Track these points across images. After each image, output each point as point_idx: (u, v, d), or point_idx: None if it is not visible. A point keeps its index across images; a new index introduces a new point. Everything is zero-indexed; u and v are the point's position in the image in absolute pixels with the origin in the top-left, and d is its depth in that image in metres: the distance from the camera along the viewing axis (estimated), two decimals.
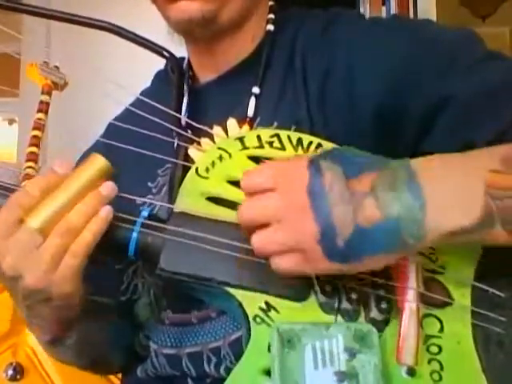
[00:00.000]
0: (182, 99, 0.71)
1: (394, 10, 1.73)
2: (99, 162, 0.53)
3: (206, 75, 0.73)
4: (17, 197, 0.52)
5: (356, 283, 0.54)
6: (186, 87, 0.72)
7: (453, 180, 0.49)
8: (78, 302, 0.57)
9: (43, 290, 0.52)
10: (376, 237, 0.47)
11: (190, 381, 0.63)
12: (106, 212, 0.53)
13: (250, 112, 0.65)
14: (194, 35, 0.68)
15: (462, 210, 0.47)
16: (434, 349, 0.53)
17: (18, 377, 1.12)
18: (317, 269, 0.50)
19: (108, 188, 0.53)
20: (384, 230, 0.47)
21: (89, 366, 0.74)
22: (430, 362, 0.52)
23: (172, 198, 0.62)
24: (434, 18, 1.70)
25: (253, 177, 0.52)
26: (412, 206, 0.47)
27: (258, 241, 0.50)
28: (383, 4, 1.76)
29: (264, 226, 0.50)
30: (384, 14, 1.72)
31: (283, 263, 0.50)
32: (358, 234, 0.47)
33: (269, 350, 0.50)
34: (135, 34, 0.69)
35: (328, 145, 0.59)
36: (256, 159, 0.59)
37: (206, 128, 0.64)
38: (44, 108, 1.50)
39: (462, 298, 0.55)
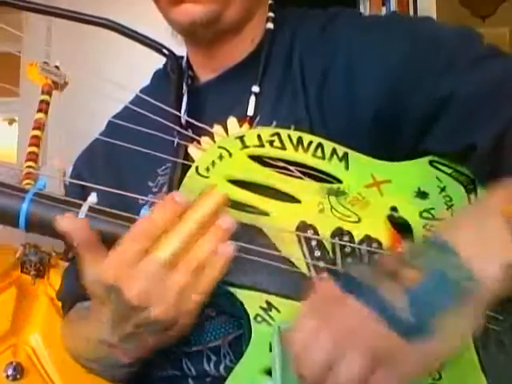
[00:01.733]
0: (182, 98, 0.71)
1: (393, 9, 1.73)
2: (218, 194, 0.52)
3: (205, 74, 0.73)
4: (142, 225, 0.51)
5: None
6: (185, 86, 0.72)
7: (474, 227, 0.48)
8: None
9: (168, 322, 0.51)
10: (431, 293, 0.44)
11: (190, 380, 0.63)
12: (232, 248, 0.51)
13: (250, 111, 0.65)
14: (196, 36, 0.68)
15: (497, 247, 0.46)
16: None
17: (18, 377, 1.12)
18: (408, 363, 0.44)
19: (227, 221, 0.51)
20: (432, 283, 0.44)
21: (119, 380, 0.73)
22: None
23: None
24: (433, 18, 1.70)
25: (297, 328, 0.47)
26: (444, 256, 0.45)
27: (342, 381, 0.43)
28: (383, 4, 1.77)
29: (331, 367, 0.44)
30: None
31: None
32: (413, 296, 0.44)
33: (270, 349, 0.50)
34: (135, 32, 0.69)
35: (328, 144, 0.59)
36: (256, 158, 0.59)
37: (206, 127, 0.64)
38: (44, 108, 1.50)
39: None
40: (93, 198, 0.54)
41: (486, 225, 0.48)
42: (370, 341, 0.43)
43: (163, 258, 0.49)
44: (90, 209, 0.53)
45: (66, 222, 0.51)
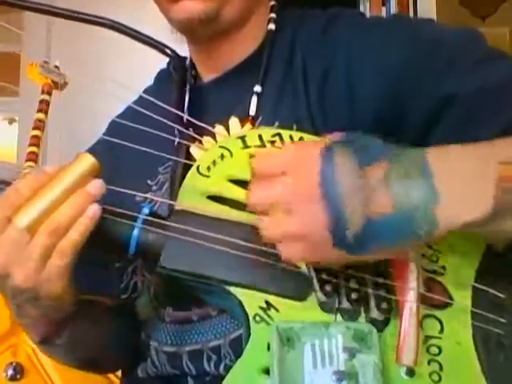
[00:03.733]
0: (184, 97, 0.71)
1: (393, 9, 1.73)
2: (87, 159, 0.52)
3: (208, 74, 0.73)
4: (6, 195, 0.52)
5: (356, 283, 0.54)
6: (188, 86, 0.72)
7: (465, 172, 0.49)
8: (67, 304, 0.56)
9: (31, 289, 0.52)
10: (386, 229, 0.47)
11: (190, 380, 0.63)
12: (93, 211, 0.52)
13: (252, 111, 0.66)
14: (196, 34, 0.69)
15: (474, 203, 0.47)
16: (434, 349, 0.52)
17: (18, 377, 1.12)
18: (325, 257, 0.50)
19: (96, 186, 0.53)
20: (394, 222, 0.46)
21: (81, 365, 0.74)
22: (429, 362, 0.52)
23: (173, 195, 0.62)
24: (433, 18, 1.70)
25: (264, 160, 0.51)
26: (424, 198, 0.46)
27: (268, 225, 0.49)
28: (383, 4, 1.77)
29: (270, 210, 0.49)
30: (384, 14, 1.72)
31: (292, 251, 0.49)
32: (368, 227, 0.46)
33: (268, 348, 0.50)
34: (137, 32, 0.69)
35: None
36: None
37: (207, 126, 0.64)
38: (44, 108, 1.51)
39: (463, 298, 0.55)
40: None
41: (475, 179, 0.48)
42: (307, 222, 0.47)
43: (22, 225, 0.50)
44: None
45: None
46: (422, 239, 0.48)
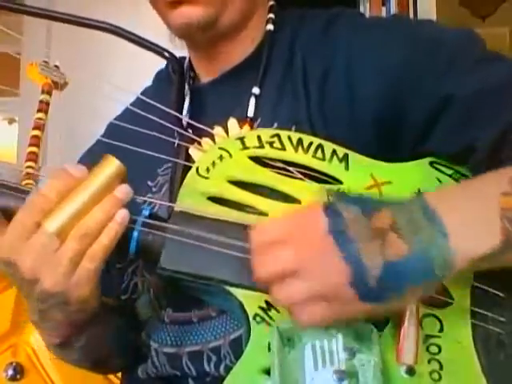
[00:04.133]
0: (183, 99, 0.71)
1: (393, 9, 1.73)
2: (113, 164, 0.53)
3: (206, 75, 0.73)
4: (34, 199, 0.52)
5: None
6: (186, 87, 0.72)
7: (468, 209, 0.49)
8: (92, 307, 0.57)
9: (60, 294, 0.52)
10: (406, 270, 0.46)
11: (190, 380, 0.63)
12: (123, 216, 0.53)
13: (251, 112, 0.65)
14: (195, 40, 0.69)
15: (484, 236, 0.47)
16: (434, 348, 0.53)
17: (18, 377, 1.12)
18: (350, 313, 0.48)
19: (123, 191, 0.53)
20: (413, 262, 0.46)
21: (92, 366, 0.74)
22: (429, 361, 0.52)
23: (172, 197, 0.63)
24: (433, 18, 1.70)
25: (264, 228, 0.50)
26: (436, 236, 0.46)
27: (283, 295, 0.48)
28: (383, 4, 1.76)
29: (280, 280, 0.48)
30: (384, 14, 1.72)
31: (312, 315, 0.47)
32: (388, 270, 0.45)
33: (269, 349, 0.50)
34: (135, 35, 0.69)
35: (328, 145, 0.59)
36: (256, 159, 0.59)
37: (206, 128, 0.64)
38: (44, 108, 1.51)
39: (462, 298, 0.55)
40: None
41: (480, 214, 0.48)
42: (327, 280, 0.46)
43: (52, 230, 0.50)
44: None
45: None
46: (440, 277, 0.47)
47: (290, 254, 0.47)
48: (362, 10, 1.76)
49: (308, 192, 0.57)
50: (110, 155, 0.53)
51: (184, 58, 0.76)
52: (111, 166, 0.53)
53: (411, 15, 1.71)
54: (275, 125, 0.63)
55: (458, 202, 0.49)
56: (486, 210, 0.48)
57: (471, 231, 0.48)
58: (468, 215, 0.48)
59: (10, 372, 1.12)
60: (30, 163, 1.42)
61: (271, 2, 0.73)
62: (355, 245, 0.46)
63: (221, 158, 0.58)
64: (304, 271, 0.47)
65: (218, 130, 0.66)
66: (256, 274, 0.49)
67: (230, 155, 0.59)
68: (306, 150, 0.59)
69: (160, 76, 0.81)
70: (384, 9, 1.76)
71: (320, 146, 0.59)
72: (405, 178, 0.59)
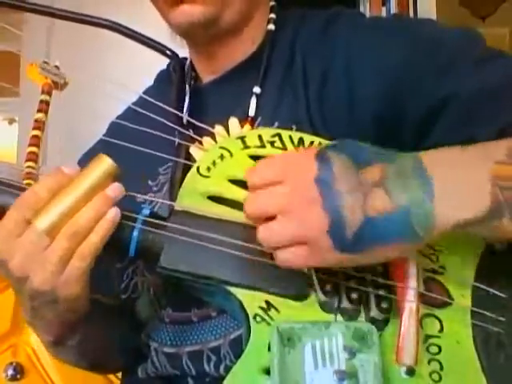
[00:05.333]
0: (184, 98, 0.71)
1: (393, 9, 1.73)
2: (105, 162, 0.53)
3: (207, 75, 0.73)
4: (25, 197, 0.52)
5: (356, 283, 0.54)
6: (187, 87, 0.72)
7: (460, 172, 0.49)
8: (84, 306, 0.57)
9: (50, 292, 0.52)
10: (386, 227, 0.47)
11: (190, 380, 0.63)
12: (113, 214, 0.52)
13: (252, 112, 0.66)
14: (196, 38, 0.69)
15: (471, 202, 0.48)
16: (434, 349, 0.53)
17: (18, 377, 1.12)
18: (324, 261, 0.49)
19: (115, 189, 0.53)
20: (394, 220, 0.46)
21: (90, 366, 0.74)
22: (429, 362, 0.52)
23: (173, 196, 0.63)
24: (433, 18, 1.70)
25: (260, 169, 0.51)
26: (422, 196, 0.47)
27: (264, 232, 0.49)
28: (383, 4, 1.76)
29: (271, 218, 0.49)
30: (384, 14, 1.72)
31: (291, 257, 0.49)
32: (367, 225, 0.46)
33: (269, 348, 0.50)
34: (137, 33, 0.69)
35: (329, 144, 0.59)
36: (257, 158, 0.59)
37: (207, 127, 0.64)
38: (44, 108, 1.50)
39: (462, 298, 0.55)
40: None
41: (471, 178, 0.49)
42: (307, 226, 0.47)
43: (42, 228, 0.50)
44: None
45: None
46: (420, 239, 0.48)
47: (280, 196, 0.49)
48: (361, 9, 1.76)
49: None
50: (102, 154, 0.53)
51: (185, 58, 0.76)
52: (103, 164, 0.53)
53: (411, 15, 1.71)
54: (276, 124, 0.64)
55: (451, 166, 0.49)
56: (477, 177, 0.48)
57: (459, 196, 0.48)
58: (459, 180, 0.48)
59: (10, 372, 1.12)
60: (29, 163, 1.42)
61: (272, 3, 0.73)
62: (338, 196, 0.47)
63: (222, 157, 0.58)
64: (288, 214, 0.48)
65: (218, 129, 0.66)
66: (246, 209, 0.51)
67: (231, 154, 0.59)
68: None
69: (161, 76, 0.81)
70: (384, 9, 1.76)
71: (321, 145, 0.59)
72: None
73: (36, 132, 1.48)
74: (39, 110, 1.50)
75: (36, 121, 1.48)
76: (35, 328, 0.61)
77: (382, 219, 0.46)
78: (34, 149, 1.44)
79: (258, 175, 0.51)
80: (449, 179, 0.48)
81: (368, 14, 1.66)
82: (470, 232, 0.49)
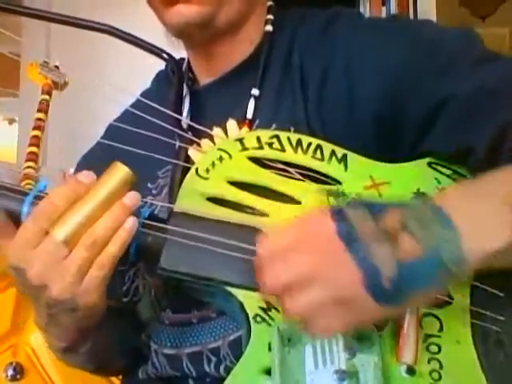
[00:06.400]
0: (182, 100, 0.71)
1: (393, 10, 1.73)
2: (122, 170, 0.52)
3: (205, 77, 0.73)
4: (42, 207, 0.52)
5: None
6: (185, 89, 0.72)
7: (476, 206, 0.49)
8: (100, 312, 0.57)
9: (69, 301, 0.52)
10: (420, 271, 0.45)
11: (190, 381, 0.63)
12: (131, 224, 0.52)
13: (250, 113, 0.65)
14: (192, 39, 0.68)
15: (494, 231, 0.47)
16: (434, 348, 0.53)
17: (18, 377, 1.12)
18: (367, 317, 0.48)
19: (132, 198, 0.53)
20: (427, 261, 0.45)
21: (95, 369, 0.74)
22: (429, 361, 0.52)
23: (172, 198, 0.63)
24: (433, 18, 1.70)
25: (271, 240, 0.49)
26: (447, 233, 0.46)
27: (296, 305, 0.47)
28: (383, 4, 1.77)
29: (293, 289, 0.47)
30: (384, 14, 1.72)
31: (329, 323, 0.47)
32: (402, 271, 0.45)
33: (269, 349, 0.50)
34: (134, 37, 0.69)
35: (327, 146, 0.59)
36: (256, 160, 0.59)
37: (206, 129, 0.64)
38: (44, 108, 1.51)
39: (462, 297, 0.55)
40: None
41: (488, 210, 0.48)
42: (341, 285, 0.45)
43: (60, 238, 0.50)
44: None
45: None
46: (454, 275, 0.46)
47: (303, 262, 0.46)
48: (361, 10, 1.76)
49: (307, 192, 0.57)
50: (118, 162, 0.53)
51: (183, 59, 0.76)
52: (120, 172, 0.52)
53: (411, 15, 1.71)
54: (274, 126, 0.63)
55: (465, 201, 0.49)
56: (494, 206, 0.48)
57: (481, 227, 0.47)
58: (476, 211, 0.48)
59: (10, 372, 1.12)
60: (29, 163, 1.42)
61: (269, 3, 0.72)
62: (365, 247, 0.45)
63: (220, 158, 0.59)
64: (317, 278, 0.46)
65: (217, 131, 0.66)
66: (268, 285, 0.48)
67: (230, 156, 0.59)
68: (305, 151, 0.59)
69: (159, 78, 0.80)
70: (384, 9, 1.76)
71: (319, 147, 0.59)
72: (403, 179, 0.59)
73: (36, 132, 1.48)
74: (39, 110, 1.50)
75: (36, 121, 1.49)
76: (49, 334, 0.61)
77: (415, 263, 0.45)
78: (34, 149, 1.44)
79: (268, 247, 0.48)
80: (466, 214, 0.47)
81: (368, 14, 1.67)
82: (496, 262, 0.48)
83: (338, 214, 0.47)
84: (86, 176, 0.53)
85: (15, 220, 0.54)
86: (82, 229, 0.51)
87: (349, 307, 0.46)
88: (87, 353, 0.64)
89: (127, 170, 0.52)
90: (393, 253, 0.45)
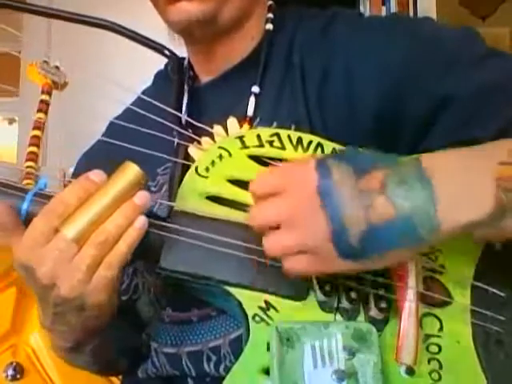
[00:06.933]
0: (183, 98, 0.71)
1: (393, 9, 1.73)
2: (133, 170, 0.52)
3: (206, 75, 0.73)
4: (52, 204, 0.52)
5: (356, 282, 0.54)
6: (186, 86, 0.72)
7: (463, 174, 0.49)
8: (110, 312, 0.57)
9: (77, 299, 0.52)
10: (390, 234, 0.47)
11: (189, 380, 0.63)
12: (142, 223, 0.52)
13: (250, 111, 0.65)
14: (193, 36, 0.68)
15: (474, 204, 0.47)
16: (434, 348, 0.53)
17: (18, 377, 1.12)
18: (331, 268, 0.50)
19: (142, 197, 0.53)
20: (397, 226, 0.47)
21: (100, 370, 0.74)
22: (429, 361, 0.52)
23: (172, 196, 0.62)
24: (433, 18, 1.70)
25: (262, 180, 0.52)
26: (424, 201, 0.47)
27: (270, 243, 0.50)
28: (383, 4, 1.76)
29: (276, 228, 0.50)
30: (384, 14, 1.72)
31: (296, 265, 0.50)
32: (371, 232, 0.47)
33: (268, 348, 0.50)
34: (136, 33, 0.69)
35: (328, 144, 0.59)
36: (256, 158, 0.59)
37: (206, 127, 0.64)
38: (44, 108, 1.50)
39: (462, 297, 0.55)
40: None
41: (474, 180, 0.49)
42: (311, 235, 0.48)
43: (70, 236, 0.50)
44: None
45: None
46: (425, 242, 0.48)
47: (280, 207, 0.49)
48: (361, 10, 1.76)
49: None
50: (129, 161, 0.53)
51: (184, 58, 0.76)
52: (131, 171, 0.52)
53: (411, 15, 1.71)
54: (274, 124, 0.64)
55: (453, 169, 0.49)
56: (480, 178, 0.48)
57: (462, 198, 0.48)
58: (462, 182, 0.48)
59: (10, 372, 1.12)
60: (30, 163, 1.42)
61: (270, 2, 0.73)
62: (340, 205, 0.47)
63: (220, 157, 0.58)
64: (291, 223, 0.49)
65: (217, 129, 0.66)
66: (250, 221, 0.52)
67: (230, 154, 0.59)
68: (306, 149, 0.58)
69: (159, 76, 0.81)
70: (384, 9, 1.76)
71: (319, 145, 0.59)
72: None
73: (36, 132, 1.48)
74: (39, 110, 1.50)
75: (36, 121, 1.48)
76: (54, 334, 0.60)
77: (385, 226, 0.47)
78: (34, 149, 1.44)
79: (259, 186, 0.52)
80: (451, 181, 0.48)
81: (368, 14, 1.66)
82: (474, 234, 0.49)
83: (322, 167, 0.49)
84: (97, 175, 0.53)
85: (26, 221, 0.53)
86: (92, 227, 0.51)
87: (314, 255, 0.49)
88: (92, 352, 0.64)
89: (138, 169, 0.52)
90: (365, 214, 0.46)
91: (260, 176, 0.52)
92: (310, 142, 0.59)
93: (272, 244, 0.50)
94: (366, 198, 0.47)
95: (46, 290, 0.52)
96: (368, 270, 0.52)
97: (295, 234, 0.49)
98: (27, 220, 0.53)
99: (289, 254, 0.50)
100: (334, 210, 0.47)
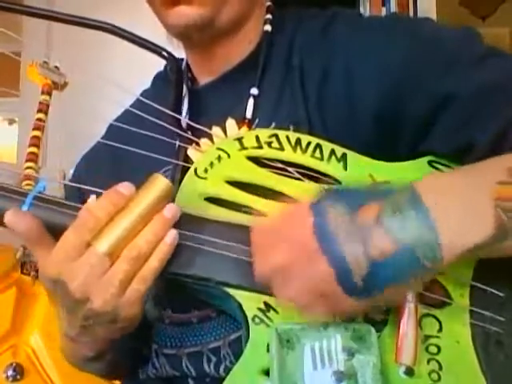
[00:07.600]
0: (182, 100, 0.71)
1: (393, 10, 1.73)
2: (162, 182, 0.52)
3: (204, 77, 0.73)
4: (82, 219, 0.52)
5: None
6: (185, 88, 0.72)
7: (460, 196, 0.49)
8: (137, 323, 0.57)
9: (110, 313, 0.52)
10: (392, 268, 0.46)
11: (190, 381, 0.63)
12: (172, 237, 0.52)
13: (249, 113, 0.65)
14: (192, 39, 0.68)
15: (475, 227, 0.47)
16: (433, 349, 0.53)
17: (18, 377, 1.13)
18: (344, 309, 0.49)
19: (171, 210, 0.53)
20: (398, 259, 0.46)
21: (111, 374, 0.74)
22: (428, 361, 0.52)
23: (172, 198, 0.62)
24: (433, 18, 1.70)
25: (258, 232, 0.52)
26: (422, 229, 0.46)
27: (282, 292, 0.50)
28: (383, 4, 1.76)
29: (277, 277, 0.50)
30: (384, 15, 1.72)
31: (312, 310, 0.50)
32: (374, 268, 0.46)
33: (268, 350, 0.50)
34: (134, 35, 0.69)
35: (326, 145, 0.59)
36: (255, 159, 0.59)
37: (205, 128, 0.64)
38: (44, 108, 1.50)
39: (461, 297, 0.55)
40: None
41: (472, 202, 0.48)
42: (314, 279, 0.48)
43: (102, 250, 0.50)
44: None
45: (9, 216, 0.52)
46: (430, 271, 0.47)
47: (284, 255, 0.49)
48: (361, 10, 1.76)
49: (307, 192, 0.57)
50: (159, 174, 0.53)
51: (182, 59, 0.76)
52: (160, 184, 0.52)
53: (411, 15, 1.71)
54: (273, 125, 0.63)
55: (450, 192, 0.49)
56: (479, 200, 0.48)
57: (461, 223, 0.47)
58: (460, 206, 0.48)
59: (10, 372, 1.12)
60: (29, 164, 1.42)
61: (268, 3, 0.72)
62: (337, 244, 0.46)
63: (219, 158, 0.58)
64: (294, 271, 0.48)
65: (216, 131, 0.66)
66: (255, 275, 0.51)
67: (229, 156, 0.59)
68: (305, 150, 0.58)
69: (159, 78, 0.81)
70: (384, 9, 1.76)
71: (318, 146, 0.59)
72: (403, 178, 0.58)
73: (36, 132, 1.47)
74: (39, 111, 1.50)
75: (36, 121, 1.48)
76: (77, 344, 0.60)
77: (387, 261, 0.46)
78: (34, 149, 1.44)
79: (257, 238, 0.52)
80: (449, 207, 0.47)
81: (368, 14, 1.66)
82: (480, 255, 0.49)
83: (316, 209, 0.48)
84: (126, 187, 0.52)
85: (53, 231, 0.53)
86: (124, 241, 0.51)
87: (325, 298, 0.48)
88: (110, 360, 0.64)
89: (167, 181, 0.52)
90: (365, 251, 0.46)
91: (255, 229, 0.52)
92: (309, 143, 0.59)
93: (283, 293, 0.50)
94: (364, 233, 0.46)
95: (78, 305, 0.52)
96: (380, 305, 0.51)
97: (299, 281, 0.48)
98: None
99: (300, 302, 0.49)
100: (334, 253, 0.47)
